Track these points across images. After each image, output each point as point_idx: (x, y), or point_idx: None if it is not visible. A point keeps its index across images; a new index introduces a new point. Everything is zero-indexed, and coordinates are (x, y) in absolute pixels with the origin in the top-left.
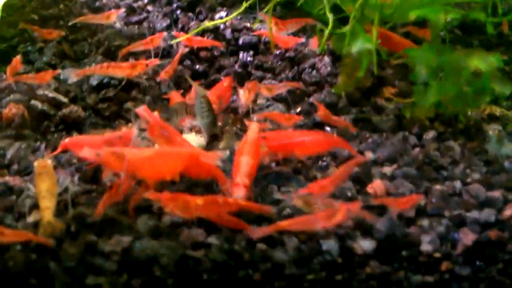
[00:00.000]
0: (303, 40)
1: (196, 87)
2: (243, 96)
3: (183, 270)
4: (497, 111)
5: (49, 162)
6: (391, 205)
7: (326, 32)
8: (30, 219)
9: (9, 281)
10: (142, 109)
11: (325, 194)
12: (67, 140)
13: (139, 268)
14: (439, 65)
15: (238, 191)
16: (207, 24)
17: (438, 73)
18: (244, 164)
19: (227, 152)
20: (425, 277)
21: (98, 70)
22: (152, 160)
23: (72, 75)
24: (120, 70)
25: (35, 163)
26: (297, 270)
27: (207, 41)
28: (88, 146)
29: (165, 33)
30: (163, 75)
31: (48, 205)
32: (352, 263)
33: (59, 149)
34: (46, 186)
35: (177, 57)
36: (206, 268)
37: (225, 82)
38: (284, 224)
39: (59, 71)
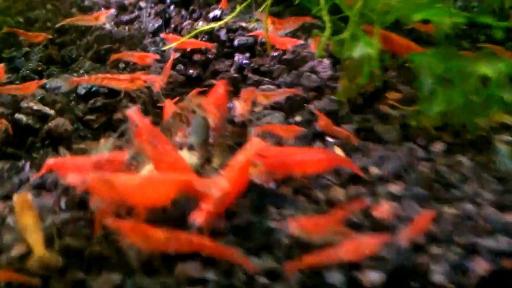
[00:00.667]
0: (301, 41)
1: (197, 108)
2: (240, 106)
3: None
4: (508, 120)
5: (28, 195)
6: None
7: (324, 37)
8: (14, 252)
9: None
10: (133, 111)
11: (320, 232)
12: (51, 161)
13: None
14: (445, 72)
15: (196, 216)
16: (201, 28)
17: (444, 81)
18: (217, 189)
19: (223, 182)
20: None
21: (94, 80)
22: (143, 187)
23: (65, 83)
24: (118, 83)
25: (14, 198)
26: None
27: (199, 43)
28: (74, 168)
29: (152, 57)
30: (157, 86)
31: (37, 239)
32: None
33: (42, 171)
34: (30, 221)
35: (169, 63)
36: None
37: (220, 88)
38: (313, 259)
39: (44, 80)
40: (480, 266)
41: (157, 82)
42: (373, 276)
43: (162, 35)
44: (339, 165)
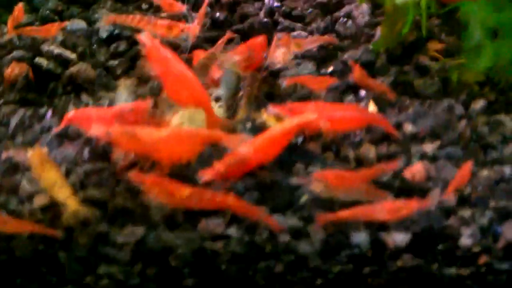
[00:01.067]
0: None
1: (230, 62)
2: (279, 54)
3: (200, 261)
4: None
5: (43, 150)
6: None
7: None
8: (36, 203)
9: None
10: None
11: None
12: (71, 113)
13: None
14: (497, 24)
15: (203, 174)
16: None
17: (494, 34)
18: (236, 155)
19: (247, 137)
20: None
21: (131, 21)
22: (168, 141)
23: (103, 19)
24: (155, 28)
25: (29, 154)
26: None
27: None
28: (95, 119)
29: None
30: (193, 36)
31: (68, 194)
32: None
33: (63, 123)
34: (53, 175)
35: (203, 9)
36: (224, 259)
37: (259, 40)
38: (345, 213)
39: (66, 22)
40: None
41: (194, 31)
42: (399, 237)
43: None
44: (373, 122)
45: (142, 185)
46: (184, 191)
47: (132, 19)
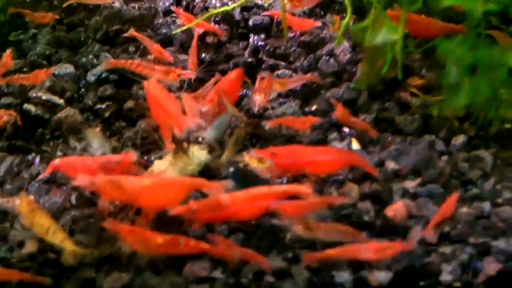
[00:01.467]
0: (319, 23)
1: (232, 111)
2: (258, 97)
3: None
4: None
5: (30, 197)
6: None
7: (344, 24)
8: (26, 250)
9: None
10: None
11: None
12: (57, 161)
13: None
14: (473, 62)
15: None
16: (214, 11)
17: (471, 71)
18: (213, 201)
19: (230, 183)
20: None
21: (129, 65)
22: (152, 189)
23: (102, 64)
24: (151, 72)
25: (17, 203)
26: None
27: (209, 27)
28: (80, 169)
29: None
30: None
31: (62, 236)
32: None
33: (47, 171)
34: (44, 220)
35: (193, 50)
36: None
37: (233, 74)
38: (332, 252)
39: (53, 68)
40: (490, 266)
41: (190, 76)
42: (381, 276)
43: (173, 8)
44: (353, 164)
45: (118, 234)
46: (157, 239)
47: (131, 64)
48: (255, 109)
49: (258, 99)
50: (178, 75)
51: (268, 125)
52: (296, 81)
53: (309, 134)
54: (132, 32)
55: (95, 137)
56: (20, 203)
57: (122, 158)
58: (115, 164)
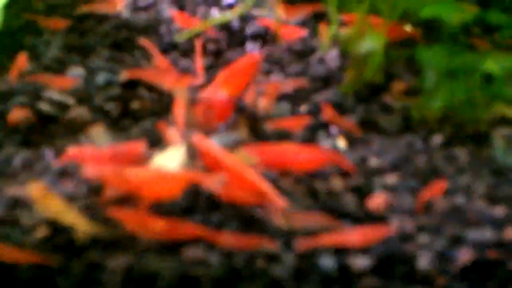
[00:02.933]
0: (305, 33)
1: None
2: (263, 101)
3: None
4: (510, 113)
5: (42, 184)
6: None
7: (330, 32)
8: (38, 234)
9: None
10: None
11: None
12: (70, 150)
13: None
14: (449, 67)
15: None
16: (214, 20)
17: (448, 77)
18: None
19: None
20: None
21: (142, 75)
22: (152, 181)
23: (123, 74)
24: (164, 81)
25: (30, 190)
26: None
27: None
28: (93, 157)
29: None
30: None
31: (75, 216)
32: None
33: (63, 160)
34: (59, 205)
35: (198, 50)
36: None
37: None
38: (322, 239)
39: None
40: (464, 256)
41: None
42: (361, 261)
43: (169, 10)
44: (333, 162)
45: (120, 218)
46: (158, 223)
47: (148, 73)
48: (260, 112)
49: (262, 103)
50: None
51: (268, 127)
52: (289, 85)
53: (302, 134)
54: (143, 42)
55: (99, 134)
56: (33, 189)
57: (132, 147)
58: (124, 152)
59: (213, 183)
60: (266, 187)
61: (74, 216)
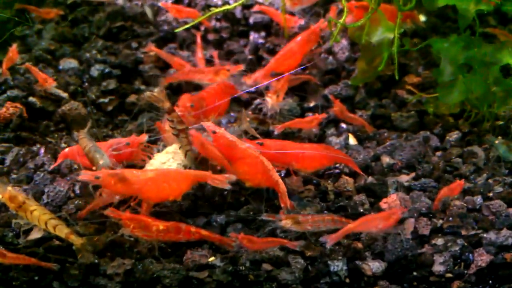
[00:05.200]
0: (302, 22)
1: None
2: (271, 100)
3: None
4: None
5: (10, 188)
6: None
7: (340, 22)
8: (32, 236)
9: None
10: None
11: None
12: (66, 150)
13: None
14: (467, 60)
15: None
16: (215, 10)
17: (465, 69)
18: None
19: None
20: None
21: (181, 76)
22: (156, 181)
23: (162, 81)
24: (203, 76)
25: (0, 197)
26: None
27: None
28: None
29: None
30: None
31: (65, 230)
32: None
33: (58, 160)
34: (41, 211)
35: (199, 47)
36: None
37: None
38: (351, 226)
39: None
40: (481, 258)
41: (239, 68)
42: (375, 265)
43: (161, 4)
44: (340, 162)
45: (120, 221)
46: (158, 225)
47: (182, 74)
48: (268, 110)
49: (270, 101)
50: (228, 70)
51: (276, 131)
52: (296, 80)
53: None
54: (151, 47)
55: (83, 136)
56: (5, 195)
57: (133, 139)
58: (125, 145)
59: (220, 182)
60: (277, 177)
61: (63, 231)
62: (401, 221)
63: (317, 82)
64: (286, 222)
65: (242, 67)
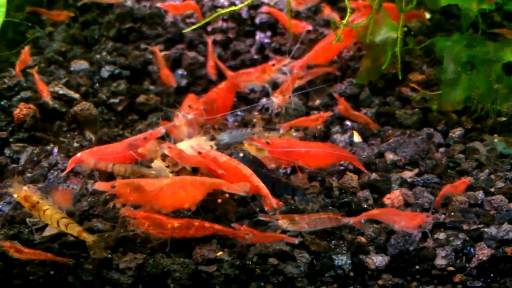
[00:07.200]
0: (310, 27)
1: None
2: (277, 100)
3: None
4: None
5: (26, 188)
6: None
7: (342, 24)
8: (47, 233)
9: None
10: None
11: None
12: (79, 154)
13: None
14: (469, 58)
15: None
16: (223, 11)
17: (467, 67)
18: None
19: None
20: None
21: (238, 79)
22: (171, 189)
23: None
24: (250, 76)
25: (16, 196)
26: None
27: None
28: (104, 157)
29: None
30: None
31: (78, 229)
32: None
33: (71, 165)
34: (53, 210)
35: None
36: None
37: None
38: (374, 212)
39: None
40: (483, 252)
41: (284, 62)
42: (378, 259)
43: (159, 4)
44: (344, 160)
45: (135, 220)
46: (173, 223)
47: (236, 77)
48: (274, 109)
49: (276, 100)
50: (273, 65)
51: (281, 130)
52: (312, 74)
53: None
54: (155, 49)
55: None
56: (20, 195)
57: (150, 133)
58: (143, 140)
59: (235, 190)
60: (257, 181)
61: (76, 230)
62: None
63: (336, 73)
64: (283, 222)
65: (287, 60)
